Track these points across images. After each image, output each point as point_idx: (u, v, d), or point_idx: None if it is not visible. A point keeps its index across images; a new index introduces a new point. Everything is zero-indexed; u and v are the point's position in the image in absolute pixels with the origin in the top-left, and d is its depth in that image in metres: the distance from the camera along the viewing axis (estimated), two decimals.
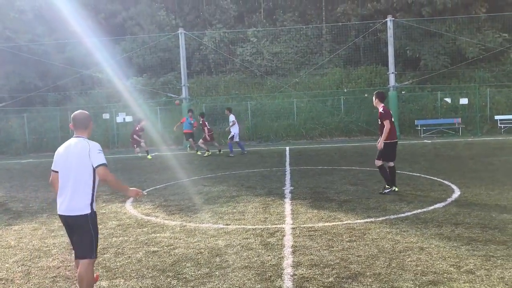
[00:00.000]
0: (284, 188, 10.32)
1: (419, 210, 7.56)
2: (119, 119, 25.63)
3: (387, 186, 9.15)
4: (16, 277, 5.32)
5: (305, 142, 24.26)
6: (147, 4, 33.47)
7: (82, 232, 4.31)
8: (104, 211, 8.76)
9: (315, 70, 29.18)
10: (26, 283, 5.10)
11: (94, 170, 4.30)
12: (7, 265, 5.80)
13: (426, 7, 27.01)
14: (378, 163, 9.24)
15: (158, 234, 6.84)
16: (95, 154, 4.31)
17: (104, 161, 4.33)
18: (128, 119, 25.29)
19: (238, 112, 26.76)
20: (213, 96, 28.91)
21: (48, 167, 15.53)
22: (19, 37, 27.90)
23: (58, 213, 4.42)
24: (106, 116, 26.35)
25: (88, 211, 4.33)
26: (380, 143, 9.17)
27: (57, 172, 4.44)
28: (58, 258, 5.96)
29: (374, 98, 9.53)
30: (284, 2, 34.44)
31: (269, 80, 29.70)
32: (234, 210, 8.21)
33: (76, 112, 4.63)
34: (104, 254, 6.01)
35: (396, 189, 9.22)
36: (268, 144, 24.10)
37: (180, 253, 5.89)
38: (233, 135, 18.44)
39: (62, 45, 28.62)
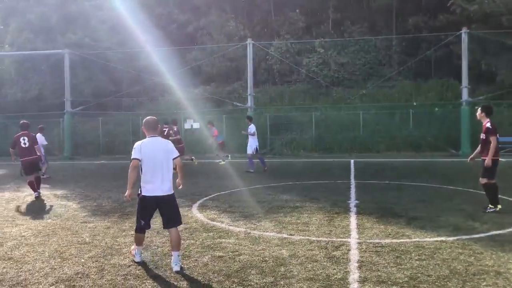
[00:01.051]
0: (349, 201, 10.14)
1: (495, 232, 7.16)
2: (186, 125, 26.41)
3: (490, 206, 8.69)
4: (91, 272, 5.60)
5: (371, 155, 23.75)
6: (218, 14, 34.34)
7: (174, 206, 5.83)
8: None
9: (383, 82, 28.56)
10: (100, 279, 5.35)
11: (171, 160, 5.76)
12: (83, 260, 6.12)
13: (505, 15, 25.60)
14: (483, 181, 8.73)
15: (223, 240, 6.95)
16: (174, 149, 5.85)
17: (178, 154, 5.90)
18: (196, 125, 25.96)
19: (302, 122, 26.73)
20: (278, 106, 29.06)
21: (119, 168, 16.22)
22: (98, 45, 29.54)
23: (151, 195, 5.69)
24: None
25: (173, 189, 5.79)
26: (488, 160, 8.57)
27: (140, 160, 5.63)
28: (128, 257, 6.19)
29: (479, 111, 8.88)
30: (352, 14, 34.09)
31: (335, 91, 29.44)
32: (298, 221, 8.18)
33: (147, 118, 5.89)
34: (172, 256, 6.18)
35: (499, 207, 8.69)
36: (332, 156, 23.83)
37: (245, 260, 5.94)
38: (256, 148, 16.44)
39: (136, 53, 29.94)
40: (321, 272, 5.40)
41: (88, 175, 17.14)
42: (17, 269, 5.77)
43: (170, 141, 5.93)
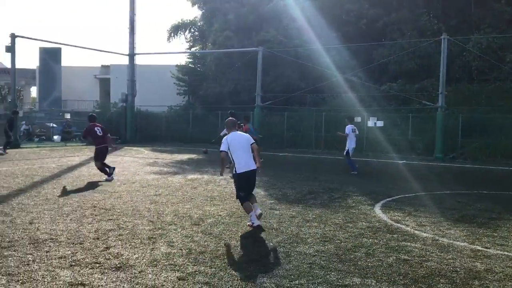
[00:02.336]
0: None
1: None
2: (370, 123, 25.95)
3: None
4: (278, 256, 5.95)
5: None
6: (410, 9, 32.83)
7: (255, 178, 7.79)
8: (354, 211, 9.02)
9: None
10: (288, 264, 5.65)
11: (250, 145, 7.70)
12: (271, 244, 6.53)
13: None
14: None
15: (409, 243, 6.68)
16: (251, 138, 7.86)
17: (254, 141, 7.83)
18: (379, 124, 25.34)
19: (502, 126, 23.95)
20: (473, 106, 26.56)
21: (301, 162, 16.70)
22: (288, 42, 30.93)
23: (243, 171, 7.51)
24: (357, 119, 26.97)
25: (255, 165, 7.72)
26: None
27: (226, 151, 7.56)
28: (313, 247, 6.40)
29: None
30: None
31: None
32: (495, 234, 7.41)
33: (228, 119, 8.12)
34: (355, 252, 6.20)
35: None
36: None
37: (433, 266, 5.63)
38: (348, 150, 15.58)
39: (324, 50, 30.48)
40: None
41: (273, 166, 18.08)
42: (216, 243, 6.45)
43: (248, 135, 8.13)
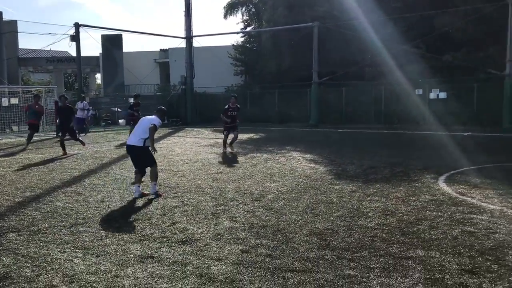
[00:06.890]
0: None
1: None
2: (432, 95, 25.04)
3: None
4: (340, 230, 5.99)
5: None
6: None
7: (134, 152, 8.53)
8: (417, 185, 8.85)
9: None
10: (349, 237, 5.68)
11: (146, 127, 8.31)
12: (331, 218, 6.57)
13: None
14: None
15: (475, 216, 6.50)
16: (152, 122, 8.24)
17: (153, 124, 8.25)
18: (442, 95, 24.38)
19: None
20: None
21: (360, 137, 16.34)
22: (344, 17, 30.16)
23: (127, 143, 8.65)
24: (419, 91, 26.13)
25: (142, 144, 8.33)
26: None
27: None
28: (374, 221, 6.38)
29: None
30: None
31: None
32: None
33: (162, 107, 9.13)
34: (418, 225, 6.12)
35: None
36: None
37: (500, 238, 5.47)
38: None
39: (383, 21, 29.48)
40: None
41: (332, 142, 18.02)
42: (276, 218, 6.58)
43: (154, 118, 8.51)
